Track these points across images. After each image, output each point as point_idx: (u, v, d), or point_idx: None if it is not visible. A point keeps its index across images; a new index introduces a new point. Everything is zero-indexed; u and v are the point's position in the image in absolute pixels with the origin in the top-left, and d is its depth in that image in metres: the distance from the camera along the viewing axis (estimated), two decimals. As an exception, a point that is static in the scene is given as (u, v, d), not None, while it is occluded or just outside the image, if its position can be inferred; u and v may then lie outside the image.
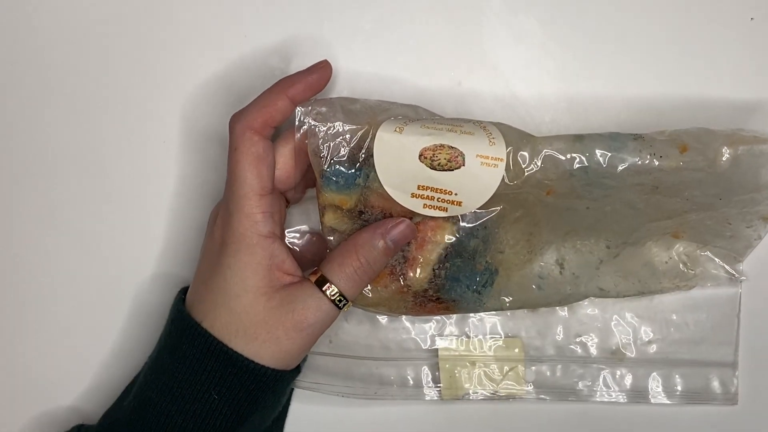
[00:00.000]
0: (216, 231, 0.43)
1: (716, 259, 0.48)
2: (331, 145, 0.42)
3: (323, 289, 0.42)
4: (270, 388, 0.42)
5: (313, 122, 0.42)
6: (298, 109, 0.42)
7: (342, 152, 0.42)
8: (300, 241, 0.49)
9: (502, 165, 0.41)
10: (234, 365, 0.41)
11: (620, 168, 0.42)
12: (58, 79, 0.51)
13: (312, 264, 0.46)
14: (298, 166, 0.43)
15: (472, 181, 0.41)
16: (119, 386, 0.47)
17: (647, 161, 0.42)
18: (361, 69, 0.50)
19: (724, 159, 0.42)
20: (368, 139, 0.42)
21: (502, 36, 0.50)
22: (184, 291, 0.45)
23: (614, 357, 0.51)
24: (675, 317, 0.51)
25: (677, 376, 0.51)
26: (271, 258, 0.41)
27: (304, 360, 0.49)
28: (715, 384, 0.51)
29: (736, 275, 0.49)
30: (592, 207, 0.44)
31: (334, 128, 0.42)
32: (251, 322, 0.41)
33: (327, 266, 0.42)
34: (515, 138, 0.42)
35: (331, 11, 0.50)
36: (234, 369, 0.41)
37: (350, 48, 0.50)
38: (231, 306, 0.41)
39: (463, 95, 0.50)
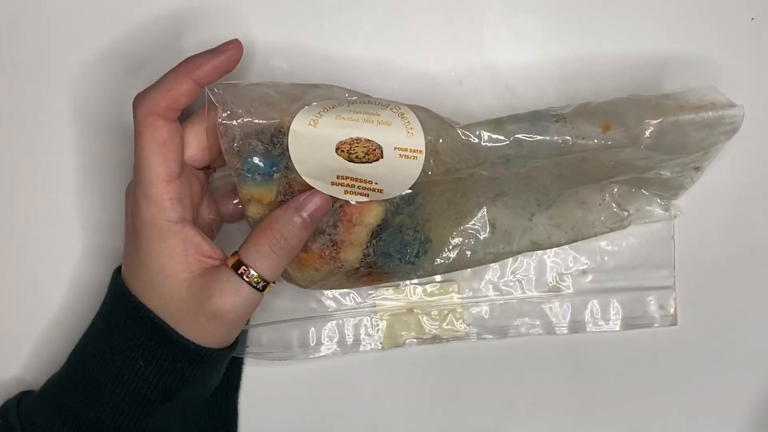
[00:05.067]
0: (128, 216, 0.42)
1: (651, 197, 0.48)
2: (244, 141, 0.40)
3: (239, 272, 0.41)
4: (197, 364, 0.42)
5: (226, 120, 0.40)
6: (208, 92, 0.40)
7: (256, 148, 0.41)
8: None
9: (422, 157, 0.40)
10: (159, 335, 0.41)
11: (543, 153, 0.41)
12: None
13: None
14: (213, 144, 0.42)
15: (392, 172, 0.40)
16: (62, 356, 0.47)
17: (570, 143, 0.41)
18: (361, 68, 0.49)
19: (647, 134, 0.41)
20: (282, 134, 0.40)
21: (502, 36, 0.50)
22: None
23: (551, 291, 0.51)
24: (608, 245, 0.51)
25: (615, 302, 0.51)
26: (184, 243, 0.41)
27: (242, 336, 0.50)
28: (654, 307, 0.51)
29: (671, 211, 0.49)
30: (520, 175, 0.44)
31: (246, 124, 0.40)
32: (176, 308, 0.41)
33: (243, 248, 0.42)
34: (435, 126, 0.41)
35: (331, 11, 0.49)
36: (160, 339, 0.41)
37: (350, 48, 0.49)
38: (157, 292, 0.41)
39: (463, 95, 0.50)
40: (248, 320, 0.50)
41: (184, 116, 0.42)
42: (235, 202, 0.46)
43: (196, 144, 0.42)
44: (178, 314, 0.41)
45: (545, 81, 0.50)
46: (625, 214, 0.48)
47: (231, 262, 0.41)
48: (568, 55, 0.50)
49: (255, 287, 0.41)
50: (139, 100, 0.40)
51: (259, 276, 0.41)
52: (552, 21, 0.50)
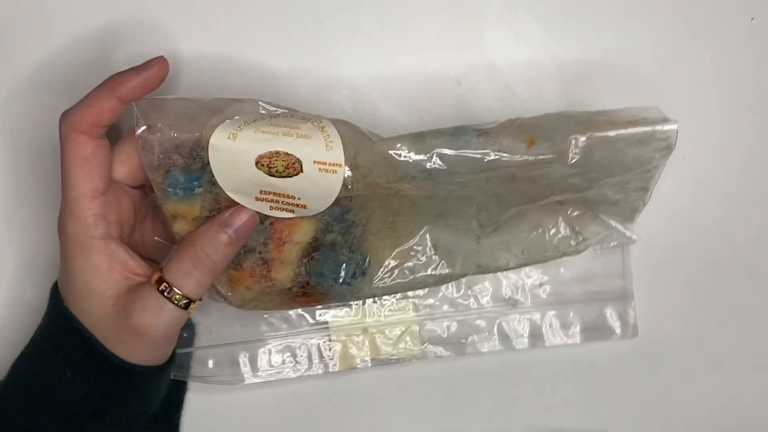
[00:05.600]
0: (58, 232, 0.42)
1: (607, 221, 0.47)
2: (164, 156, 0.40)
3: (161, 289, 0.40)
4: (123, 379, 0.42)
5: (145, 134, 0.40)
6: (135, 109, 0.40)
7: (176, 162, 0.40)
8: None
9: (341, 170, 0.39)
10: (85, 347, 0.41)
11: (465, 168, 0.40)
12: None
13: None
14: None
15: (313, 187, 0.40)
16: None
17: (492, 157, 0.39)
18: (361, 68, 0.49)
19: (574, 150, 0.39)
20: (202, 148, 0.40)
21: (502, 36, 0.50)
22: None
23: (508, 304, 0.50)
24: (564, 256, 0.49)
25: (573, 314, 0.50)
26: (110, 260, 0.40)
27: (185, 359, 0.49)
28: (613, 319, 0.50)
29: (629, 234, 0.47)
30: (454, 192, 0.42)
31: (165, 138, 0.40)
32: (103, 325, 0.41)
33: (166, 266, 0.41)
34: (354, 140, 0.40)
35: (331, 11, 0.49)
36: (86, 351, 0.41)
37: (350, 48, 0.49)
38: (84, 307, 0.41)
39: (463, 95, 0.49)
40: (193, 342, 0.50)
41: (119, 134, 0.42)
42: None
43: (128, 162, 0.42)
44: (104, 331, 0.41)
45: (545, 81, 0.49)
46: (580, 238, 0.46)
47: (154, 279, 0.41)
48: (568, 55, 0.49)
49: (177, 305, 0.40)
50: (63, 117, 0.40)
51: (182, 294, 0.40)
52: (552, 21, 0.49)
